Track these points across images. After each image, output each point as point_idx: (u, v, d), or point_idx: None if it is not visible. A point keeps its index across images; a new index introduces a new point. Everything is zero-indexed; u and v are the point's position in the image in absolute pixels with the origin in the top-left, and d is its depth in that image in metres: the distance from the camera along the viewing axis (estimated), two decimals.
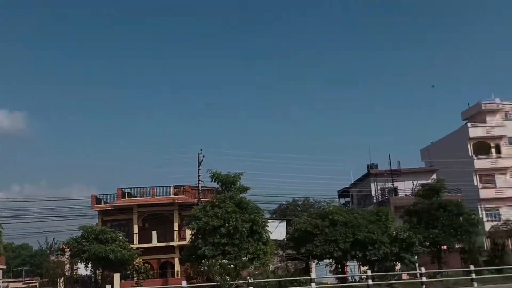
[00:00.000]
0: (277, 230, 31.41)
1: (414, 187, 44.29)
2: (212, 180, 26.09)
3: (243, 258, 22.12)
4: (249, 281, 20.76)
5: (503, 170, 58.02)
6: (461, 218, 28.95)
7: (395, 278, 25.86)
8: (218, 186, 26.54)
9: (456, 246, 29.77)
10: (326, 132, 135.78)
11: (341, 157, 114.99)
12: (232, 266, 21.47)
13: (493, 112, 60.22)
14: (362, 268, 28.51)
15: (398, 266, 28.40)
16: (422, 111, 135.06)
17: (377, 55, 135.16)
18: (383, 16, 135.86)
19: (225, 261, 21.88)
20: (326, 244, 25.32)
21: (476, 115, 61.47)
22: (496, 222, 40.81)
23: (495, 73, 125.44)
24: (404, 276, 27.41)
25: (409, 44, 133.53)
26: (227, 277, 21.18)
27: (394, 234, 26.81)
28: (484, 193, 56.11)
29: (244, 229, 23.30)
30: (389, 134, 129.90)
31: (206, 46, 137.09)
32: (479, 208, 54.53)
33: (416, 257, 27.67)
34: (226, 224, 23.29)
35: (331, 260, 27.57)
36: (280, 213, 56.73)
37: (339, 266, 27.63)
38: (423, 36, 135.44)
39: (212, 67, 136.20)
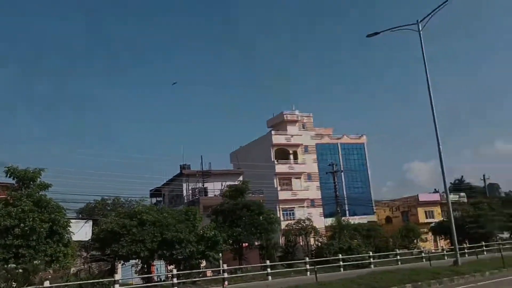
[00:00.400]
0: (82, 231, 29.71)
1: (222, 188, 46.48)
2: (6, 176, 23.37)
3: (35, 262, 20.20)
4: (46, 285, 19.11)
5: (298, 175, 64.91)
6: (261, 217, 31.35)
7: (200, 275, 26.70)
8: (14, 182, 23.89)
9: (256, 243, 32.08)
10: (141, 132, 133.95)
11: (155, 156, 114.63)
12: (20, 271, 19.38)
13: (293, 122, 67.02)
14: (169, 267, 28.79)
15: (204, 264, 29.44)
16: (236, 116, 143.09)
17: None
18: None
19: (12, 265, 19.74)
20: (133, 244, 24.85)
21: (279, 123, 67.65)
22: (290, 221, 45.27)
23: (297, 86, 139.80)
24: (209, 273, 28.50)
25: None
26: (13, 283, 19.00)
27: (201, 233, 27.68)
28: (282, 194, 61.98)
29: (42, 229, 21.39)
30: (203, 136, 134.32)
31: None
32: (278, 208, 60.03)
33: (220, 254, 29.04)
34: (22, 224, 21.10)
35: (137, 260, 27.16)
36: (88, 213, 53.64)
37: (145, 266, 27.35)
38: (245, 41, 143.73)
39: None
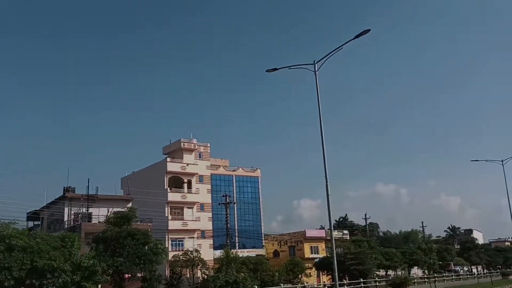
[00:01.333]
0: None
1: (108, 214, 43.95)
2: None
3: None
4: None
5: (191, 204, 63.79)
6: (146, 247, 29.84)
7: None
8: None
9: (139, 275, 30.36)
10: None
11: (36, 177, 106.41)
12: None
13: (189, 150, 66.17)
14: None
15: None
16: (132, 141, 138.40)
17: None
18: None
19: None
20: None
21: (176, 151, 66.41)
22: (177, 252, 43.89)
23: (196, 115, 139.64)
24: None
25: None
26: None
27: (78, 262, 25.58)
28: (173, 224, 60.29)
29: None
30: (95, 159, 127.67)
31: None
32: (167, 238, 58.13)
33: (99, 286, 27.01)
34: None
35: None
36: None
37: None
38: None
39: None
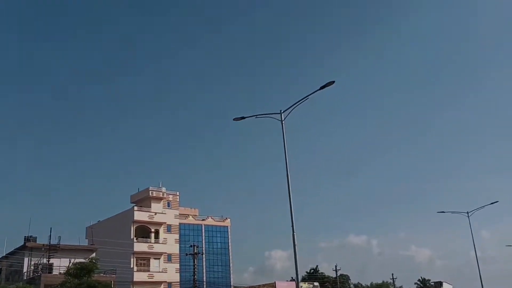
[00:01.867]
0: None
1: (69, 265, 42.20)
2: None
3: None
4: None
5: (158, 255, 61.97)
6: None
7: None
8: None
9: None
10: None
11: None
12: None
13: (158, 199, 65.01)
14: None
15: None
16: (96, 188, 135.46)
17: None
18: None
19: None
20: None
21: (144, 199, 65.14)
22: None
23: (162, 163, 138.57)
24: None
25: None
26: None
27: None
28: (138, 275, 58.25)
29: None
30: (59, 208, 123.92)
31: None
32: None
33: None
34: None
35: None
36: None
37: None
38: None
39: None
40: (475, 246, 54.76)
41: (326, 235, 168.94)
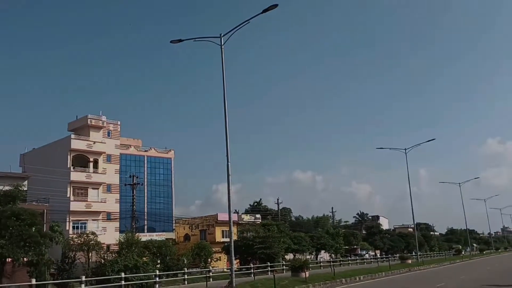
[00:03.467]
0: None
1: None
2: None
3: None
4: None
5: (97, 185, 60.28)
6: (33, 228, 27.05)
7: None
8: None
9: (24, 259, 27.48)
10: None
11: None
12: None
13: (98, 128, 62.34)
14: None
15: None
16: (35, 115, 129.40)
17: None
18: None
19: None
20: None
21: (82, 128, 62.29)
22: (72, 235, 40.98)
23: (103, 92, 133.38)
24: None
25: None
26: None
27: None
28: (75, 205, 56.68)
29: None
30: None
31: None
32: (68, 220, 54.58)
33: None
34: None
35: None
36: None
37: None
38: None
39: None
40: (410, 182, 57.28)
41: (272, 170, 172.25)
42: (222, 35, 21.60)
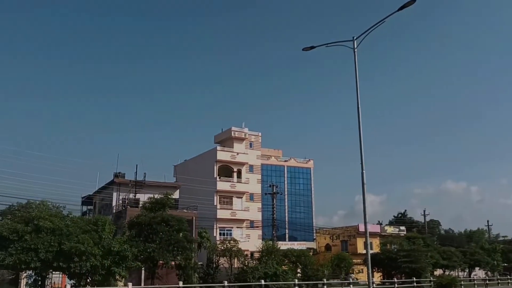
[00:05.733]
0: None
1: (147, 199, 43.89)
2: None
3: None
4: None
5: (240, 194, 62.93)
6: (181, 234, 29.04)
7: None
8: None
9: (172, 262, 29.62)
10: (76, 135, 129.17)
11: (90, 162, 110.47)
12: None
13: (240, 139, 65.24)
14: (70, 281, 25.99)
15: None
16: (186, 129, 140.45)
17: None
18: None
19: None
20: (23, 252, 22.01)
21: (226, 140, 65.74)
22: (217, 241, 43.04)
23: (248, 103, 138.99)
24: None
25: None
26: None
27: (109, 246, 25.11)
28: (221, 213, 59.76)
29: None
30: (149, 148, 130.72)
31: None
32: (215, 227, 57.73)
33: (130, 271, 26.48)
34: None
35: (31, 271, 24.27)
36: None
37: (39, 278, 24.46)
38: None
39: None
40: None
41: (421, 181, 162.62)
42: (355, 38, 20.84)
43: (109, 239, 25.38)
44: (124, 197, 48.28)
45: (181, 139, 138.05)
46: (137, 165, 54.38)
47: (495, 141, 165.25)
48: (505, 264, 62.43)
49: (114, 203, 49.23)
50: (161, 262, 29.30)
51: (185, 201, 51.24)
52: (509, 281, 55.29)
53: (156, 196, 37.93)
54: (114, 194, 49.48)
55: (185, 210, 46.10)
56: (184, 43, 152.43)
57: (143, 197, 48.32)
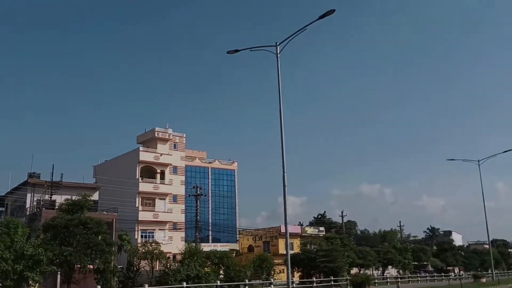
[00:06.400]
0: None
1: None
2: None
3: None
4: None
5: (163, 196, 62.03)
6: (99, 237, 28.16)
7: None
8: None
9: (91, 266, 28.64)
10: None
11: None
12: None
13: (164, 140, 64.31)
14: None
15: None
16: (107, 129, 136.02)
17: None
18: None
19: None
20: None
21: (150, 140, 64.51)
22: (138, 244, 42.15)
23: (174, 107, 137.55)
24: None
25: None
26: None
27: (21, 250, 23.81)
28: (143, 215, 58.55)
29: None
30: (68, 147, 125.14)
31: None
32: (136, 229, 56.45)
33: (44, 276, 25.25)
34: None
35: None
36: None
37: None
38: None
39: None
40: (484, 196, 53.80)
41: (340, 183, 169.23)
42: (278, 43, 21.47)
43: (22, 243, 24.12)
44: (39, 198, 45.88)
45: (102, 140, 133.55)
46: (53, 165, 51.72)
47: (411, 143, 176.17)
48: (415, 263, 66.72)
49: (28, 205, 46.61)
50: (78, 266, 28.27)
51: (105, 203, 49.64)
52: (419, 278, 59.19)
53: (73, 197, 36.58)
54: (28, 195, 46.83)
55: (104, 212, 44.66)
56: (110, 44, 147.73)
57: (59, 199, 46.23)
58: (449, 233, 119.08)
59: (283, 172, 19.88)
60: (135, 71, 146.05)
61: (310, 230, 69.32)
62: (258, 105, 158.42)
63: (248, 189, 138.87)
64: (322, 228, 71.49)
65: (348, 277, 45.19)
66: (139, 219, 57.36)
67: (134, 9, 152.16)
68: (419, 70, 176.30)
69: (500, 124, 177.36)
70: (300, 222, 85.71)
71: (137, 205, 58.70)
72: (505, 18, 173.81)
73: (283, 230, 67.01)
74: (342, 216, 76.47)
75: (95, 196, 46.70)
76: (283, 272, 54.09)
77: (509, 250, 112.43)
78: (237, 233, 69.32)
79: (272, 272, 46.44)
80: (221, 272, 38.45)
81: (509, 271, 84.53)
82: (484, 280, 52.55)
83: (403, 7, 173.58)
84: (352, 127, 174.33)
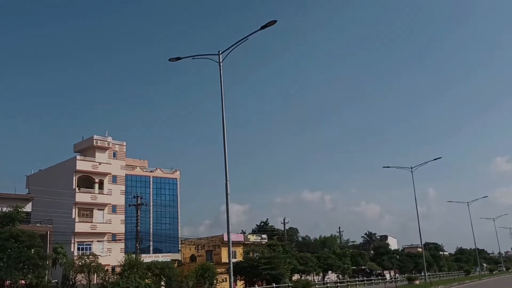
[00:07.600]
0: None
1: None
2: None
3: None
4: None
5: (102, 206, 60.01)
6: (32, 250, 26.82)
7: None
8: None
9: (22, 282, 27.18)
10: None
11: None
12: None
13: (103, 149, 62.32)
14: None
15: None
16: (41, 139, 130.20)
17: None
18: None
19: None
20: None
21: (88, 149, 62.32)
22: (75, 257, 40.52)
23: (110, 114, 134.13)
24: None
25: None
26: None
27: None
28: (80, 226, 56.35)
29: None
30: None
31: None
32: (73, 241, 54.23)
33: None
34: None
35: None
36: None
37: None
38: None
39: None
40: (417, 202, 56.29)
41: (282, 190, 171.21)
42: (220, 52, 21.51)
43: None
44: None
45: (35, 149, 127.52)
46: None
47: (349, 151, 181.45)
48: (354, 267, 68.49)
49: None
50: (9, 281, 26.77)
51: (39, 215, 47.34)
52: (357, 283, 60.78)
53: (4, 209, 34.62)
54: None
55: (38, 224, 42.58)
56: (48, 46, 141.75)
57: None
58: (385, 237, 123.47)
59: (226, 180, 19.85)
60: (73, 76, 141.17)
61: (252, 238, 69.51)
62: (201, 113, 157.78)
63: (192, 198, 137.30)
64: (264, 236, 71.88)
65: (290, 284, 45.65)
66: (76, 230, 55.14)
67: (68, 9, 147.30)
68: (359, 75, 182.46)
69: (432, 133, 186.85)
70: (243, 230, 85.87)
71: (73, 217, 56.39)
72: (435, 26, 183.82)
73: (226, 238, 67.08)
74: (284, 223, 77.40)
75: (28, 208, 44.42)
76: (226, 281, 53.87)
77: (440, 253, 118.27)
78: (179, 242, 68.26)
79: (215, 281, 46.06)
80: (162, 283, 37.74)
81: (441, 273, 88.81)
82: (417, 282, 54.79)
83: (339, 11, 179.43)
84: (296, 134, 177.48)
